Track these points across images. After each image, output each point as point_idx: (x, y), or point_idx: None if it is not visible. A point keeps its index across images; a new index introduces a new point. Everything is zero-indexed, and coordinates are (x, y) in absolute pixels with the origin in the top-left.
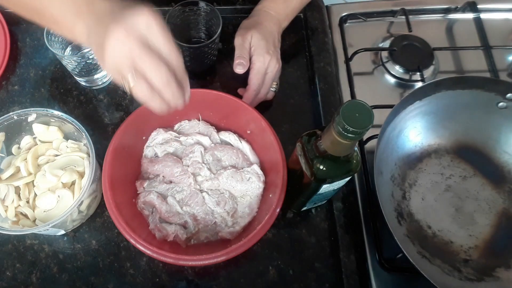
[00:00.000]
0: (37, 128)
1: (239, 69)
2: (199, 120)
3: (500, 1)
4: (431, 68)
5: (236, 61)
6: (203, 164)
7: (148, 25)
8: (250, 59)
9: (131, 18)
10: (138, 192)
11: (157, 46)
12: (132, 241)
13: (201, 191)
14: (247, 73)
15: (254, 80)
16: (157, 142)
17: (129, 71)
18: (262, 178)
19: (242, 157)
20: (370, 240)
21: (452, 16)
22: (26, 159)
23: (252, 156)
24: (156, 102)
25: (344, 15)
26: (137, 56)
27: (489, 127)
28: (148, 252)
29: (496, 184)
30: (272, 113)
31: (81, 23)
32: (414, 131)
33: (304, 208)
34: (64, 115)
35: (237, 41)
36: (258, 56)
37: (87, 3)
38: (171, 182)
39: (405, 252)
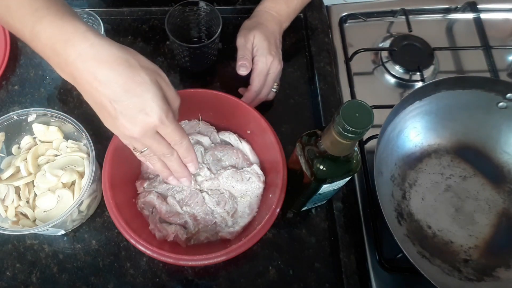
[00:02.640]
0: (37, 128)
1: (242, 71)
2: (199, 120)
3: (500, 1)
4: (431, 68)
5: (239, 63)
6: (203, 164)
7: (159, 126)
8: (252, 60)
9: (144, 123)
10: (138, 192)
11: (166, 137)
12: (132, 241)
13: (201, 191)
14: (247, 73)
15: (256, 80)
16: None
17: (138, 149)
18: (262, 178)
19: (242, 157)
20: (370, 240)
21: (452, 16)
22: (26, 159)
23: (252, 156)
24: (164, 173)
25: (344, 15)
26: (149, 147)
27: (489, 127)
28: (148, 252)
29: (496, 184)
30: (272, 113)
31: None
32: (414, 131)
33: (304, 208)
34: (64, 115)
35: (239, 41)
36: (261, 57)
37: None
38: None
39: (405, 252)
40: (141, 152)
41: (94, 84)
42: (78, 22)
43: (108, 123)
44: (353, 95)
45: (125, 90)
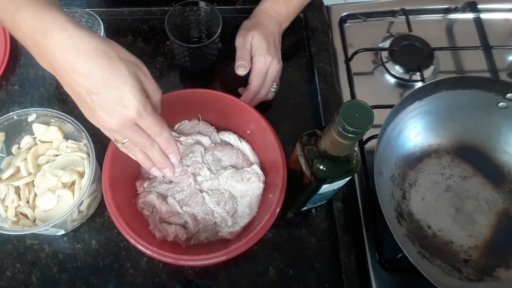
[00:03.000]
0: (37, 128)
1: (240, 71)
2: (199, 120)
3: (500, 1)
4: (431, 68)
5: (237, 63)
6: (203, 164)
7: (138, 118)
8: (251, 60)
9: (122, 116)
10: (138, 192)
11: (146, 129)
12: (132, 241)
13: (201, 191)
14: (247, 73)
15: (254, 80)
16: None
17: (119, 140)
18: (262, 178)
19: (242, 157)
20: (370, 240)
21: (452, 16)
22: (26, 159)
23: (252, 156)
24: (147, 164)
25: (344, 15)
26: (129, 138)
27: (489, 127)
28: (148, 252)
29: (496, 184)
30: (272, 113)
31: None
32: (414, 131)
33: (304, 208)
34: (64, 115)
35: (238, 42)
36: (259, 57)
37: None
38: (171, 182)
39: (405, 252)
40: (123, 143)
41: (73, 76)
42: (57, 12)
43: (87, 115)
44: (353, 95)
45: (103, 82)
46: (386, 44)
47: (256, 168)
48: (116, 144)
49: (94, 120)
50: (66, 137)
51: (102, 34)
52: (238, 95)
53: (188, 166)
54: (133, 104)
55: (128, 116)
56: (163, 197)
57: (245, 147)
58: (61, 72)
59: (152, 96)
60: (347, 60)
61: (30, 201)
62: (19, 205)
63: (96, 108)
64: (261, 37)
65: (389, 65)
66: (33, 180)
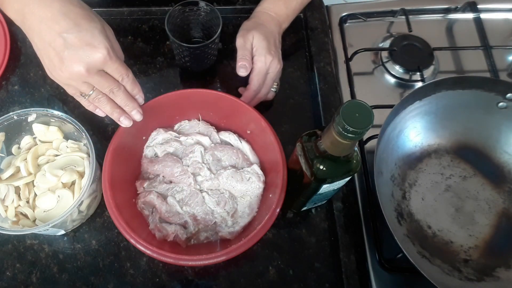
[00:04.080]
0: (37, 128)
1: (241, 72)
2: (199, 120)
3: (500, 1)
4: (431, 68)
5: (238, 63)
6: (203, 164)
7: (105, 61)
8: (251, 60)
9: (90, 56)
10: (138, 192)
11: (112, 74)
12: (132, 241)
13: (201, 191)
14: (247, 74)
15: (255, 80)
16: (157, 142)
17: (89, 90)
18: (262, 178)
19: (242, 157)
20: (370, 240)
21: (452, 16)
22: (26, 159)
23: (252, 156)
24: (115, 114)
25: (344, 15)
26: (96, 84)
27: (489, 127)
28: (148, 252)
29: (496, 184)
30: (272, 113)
31: (13, 4)
32: (414, 131)
33: (304, 208)
34: (64, 115)
35: (239, 42)
36: (260, 57)
37: None
38: (171, 182)
39: (405, 252)
40: (89, 95)
41: (45, 21)
42: None
43: (53, 66)
44: (353, 95)
45: (76, 24)
46: (386, 44)
47: (256, 168)
48: (81, 100)
49: (61, 69)
50: (66, 137)
51: None
52: (238, 95)
53: (188, 166)
54: (104, 44)
55: (98, 57)
56: (163, 197)
57: (245, 147)
58: (32, 19)
59: (117, 52)
60: (347, 60)
61: (30, 201)
62: (19, 205)
63: (64, 54)
64: (261, 37)
65: (389, 65)
66: (33, 180)
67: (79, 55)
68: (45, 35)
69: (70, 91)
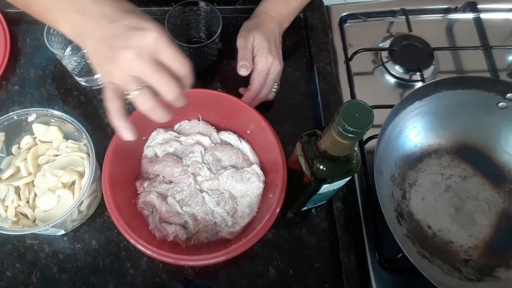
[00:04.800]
0: (37, 128)
1: (242, 72)
2: (199, 120)
3: (500, 1)
4: (431, 68)
5: (239, 63)
6: (203, 164)
7: (157, 44)
8: (252, 60)
9: (140, 39)
10: (138, 192)
11: (167, 62)
12: (132, 241)
13: (201, 191)
14: (248, 74)
15: (256, 80)
16: (157, 142)
17: (137, 87)
18: (262, 178)
19: (242, 157)
20: (370, 240)
21: (452, 16)
22: (26, 159)
23: (252, 156)
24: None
25: (344, 15)
26: (148, 75)
27: (489, 127)
28: (148, 252)
29: (496, 184)
30: (272, 113)
31: (64, 19)
32: (414, 131)
33: (304, 208)
34: (64, 115)
35: (240, 42)
36: (261, 57)
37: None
38: (171, 182)
39: (405, 252)
40: (137, 89)
41: (96, 19)
42: None
43: (106, 59)
44: (353, 95)
45: (125, 13)
46: (386, 44)
47: (256, 168)
48: (129, 96)
49: (114, 61)
50: (66, 137)
51: None
52: (238, 95)
53: (188, 166)
54: (152, 25)
55: (146, 38)
56: (163, 197)
57: (245, 147)
58: (85, 24)
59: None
60: (347, 60)
61: (30, 201)
62: (19, 205)
63: (113, 42)
64: (262, 38)
65: (389, 65)
66: (33, 180)
67: (126, 40)
68: (95, 32)
69: (128, 86)
